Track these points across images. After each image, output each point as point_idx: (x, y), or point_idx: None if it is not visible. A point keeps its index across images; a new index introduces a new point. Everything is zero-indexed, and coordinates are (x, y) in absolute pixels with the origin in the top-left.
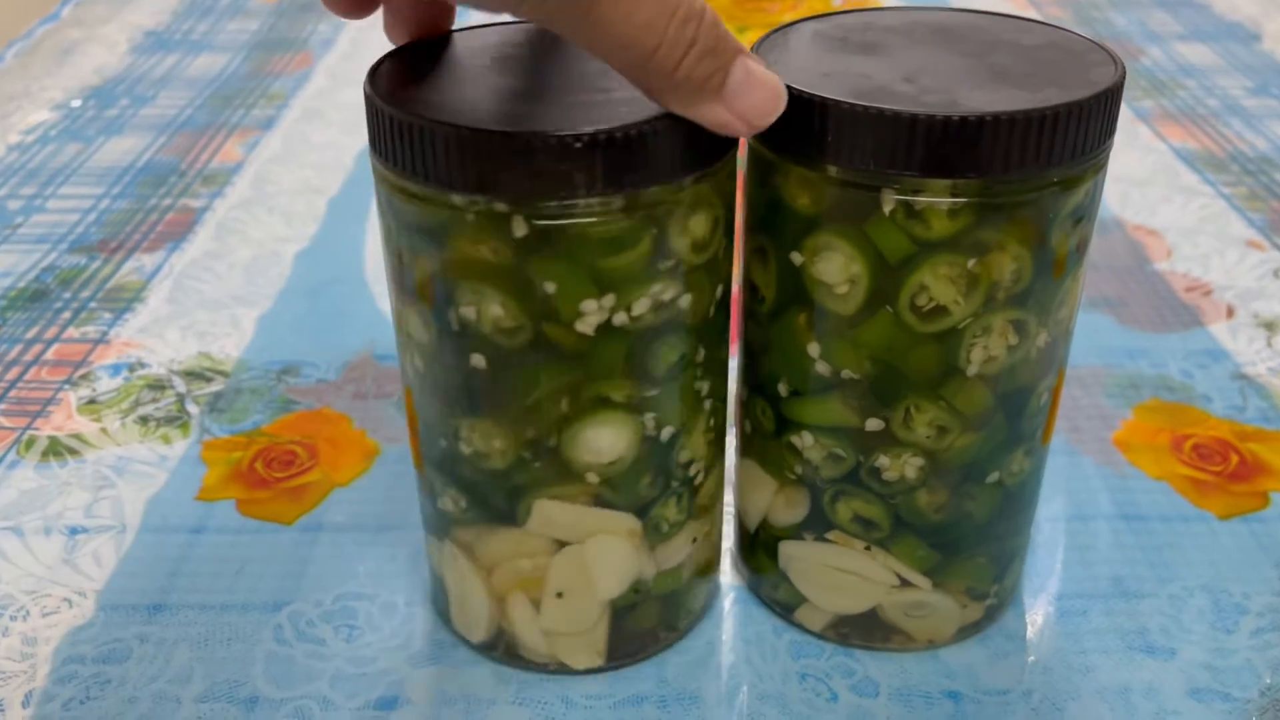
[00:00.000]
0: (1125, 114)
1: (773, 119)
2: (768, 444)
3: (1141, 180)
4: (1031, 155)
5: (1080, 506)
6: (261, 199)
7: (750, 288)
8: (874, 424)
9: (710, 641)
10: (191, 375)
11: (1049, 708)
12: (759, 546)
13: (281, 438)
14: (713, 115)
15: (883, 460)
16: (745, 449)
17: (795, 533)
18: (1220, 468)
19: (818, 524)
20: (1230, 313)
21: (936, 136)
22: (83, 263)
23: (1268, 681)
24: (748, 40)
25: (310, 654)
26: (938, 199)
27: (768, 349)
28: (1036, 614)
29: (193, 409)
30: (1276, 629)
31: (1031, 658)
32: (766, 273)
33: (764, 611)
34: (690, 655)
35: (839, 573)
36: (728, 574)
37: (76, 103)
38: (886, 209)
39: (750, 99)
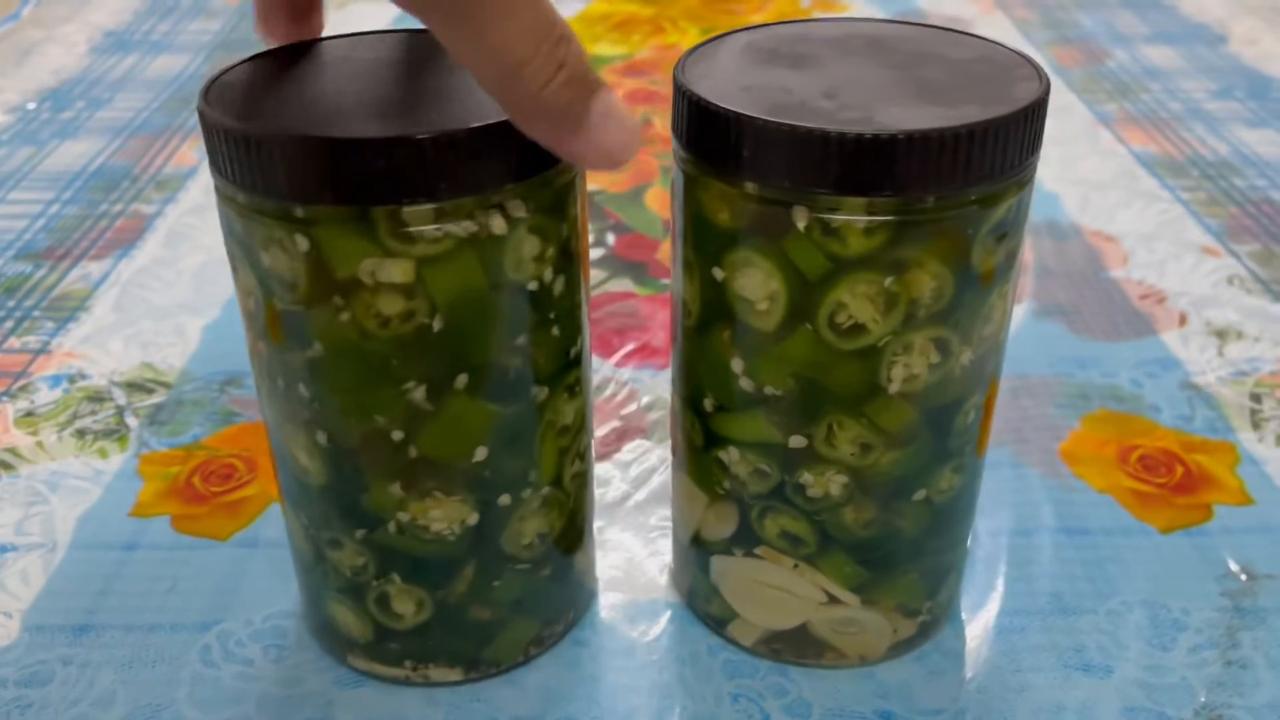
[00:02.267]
0: (1087, 117)
1: (627, 157)
2: (698, 458)
3: (1101, 185)
4: (948, 173)
5: (1023, 520)
6: (214, 205)
7: (680, 302)
8: (797, 441)
9: (644, 662)
10: (133, 387)
11: None
12: (692, 561)
13: (221, 451)
14: (569, 145)
15: (807, 477)
16: (678, 463)
17: (726, 548)
18: (1165, 480)
19: (747, 539)
20: (1183, 320)
21: (850, 154)
22: (28, 270)
23: (1202, 700)
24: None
25: (238, 675)
26: (854, 217)
27: (695, 363)
28: (974, 631)
29: (132, 421)
30: (1214, 645)
31: (968, 676)
32: (692, 287)
33: (701, 629)
34: (624, 676)
35: (768, 589)
36: (666, 590)
37: (32, 105)
38: (801, 225)
39: (607, 134)
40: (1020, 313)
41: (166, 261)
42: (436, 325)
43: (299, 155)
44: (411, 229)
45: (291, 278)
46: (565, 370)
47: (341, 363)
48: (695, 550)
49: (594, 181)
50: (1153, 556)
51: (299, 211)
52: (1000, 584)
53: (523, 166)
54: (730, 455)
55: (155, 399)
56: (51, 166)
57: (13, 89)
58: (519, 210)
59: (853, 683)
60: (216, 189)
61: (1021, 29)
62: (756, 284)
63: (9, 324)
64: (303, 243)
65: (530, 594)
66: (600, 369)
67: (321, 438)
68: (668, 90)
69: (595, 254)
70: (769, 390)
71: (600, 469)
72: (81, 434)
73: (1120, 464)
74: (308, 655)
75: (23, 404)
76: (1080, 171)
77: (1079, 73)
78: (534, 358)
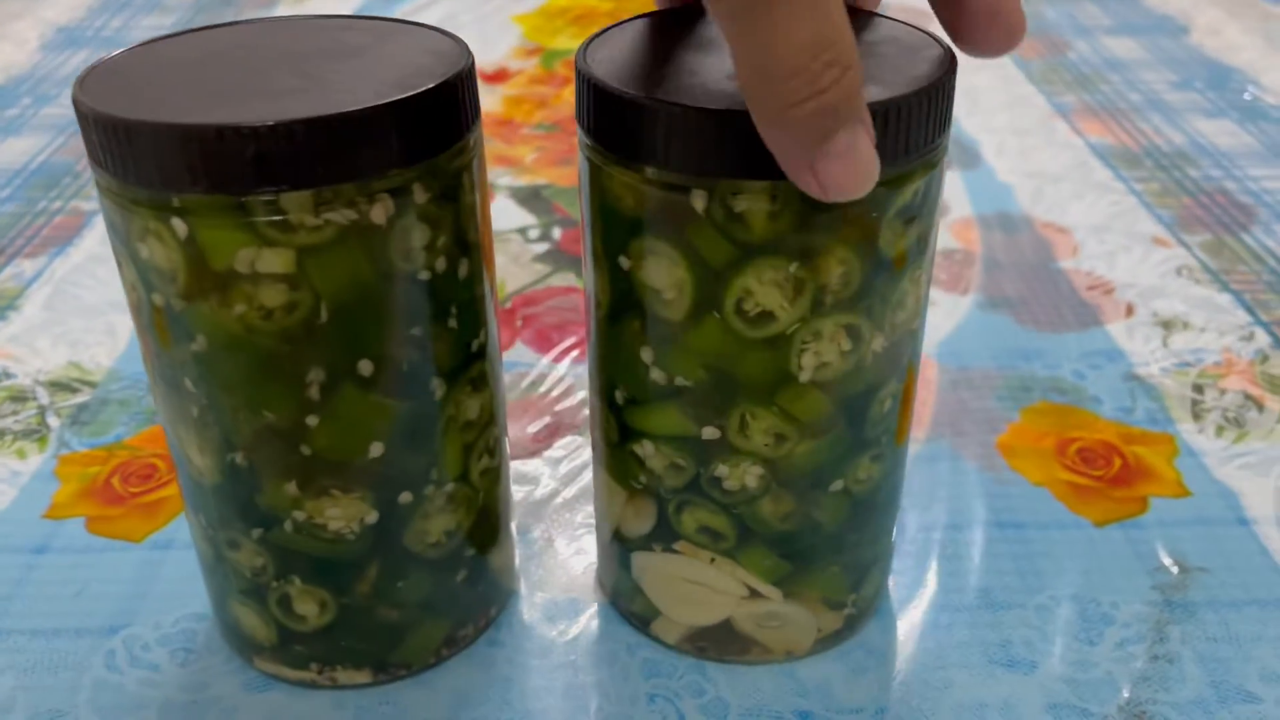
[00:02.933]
0: (1045, 109)
1: (847, 197)
2: (614, 453)
3: (1055, 177)
4: None
5: (956, 514)
6: None
7: (592, 294)
8: (710, 432)
9: (561, 663)
10: (57, 386)
11: None
12: (615, 558)
13: (143, 451)
14: (794, 164)
15: (722, 469)
16: (597, 459)
17: (645, 544)
18: (1102, 472)
19: (666, 535)
20: (1130, 311)
21: (748, 136)
22: None
23: (1126, 696)
24: None
25: (142, 681)
26: (755, 202)
27: (607, 356)
28: (901, 628)
29: (53, 422)
30: (1141, 640)
31: (890, 673)
32: (601, 278)
33: (622, 628)
34: (539, 677)
35: (689, 584)
36: (590, 589)
37: None
38: (701, 210)
39: (838, 170)
40: (966, 305)
41: (101, 259)
42: (323, 317)
43: (170, 143)
44: (290, 217)
45: (170, 270)
46: (467, 364)
47: (227, 357)
48: (616, 547)
49: (542, 175)
50: (1085, 550)
51: (174, 201)
52: (930, 579)
53: (408, 152)
54: (645, 449)
55: (79, 398)
56: None
57: None
58: (405, 197)
59: (772, 681)
60: (96, 181)
61: None
62: (662, 273)
63: None
64: (179, 234)
65: (439, 594)
66: (537, 365)
67: (212, 436)
68: None
69: (540, 248)
70: (680, 381)
71: (530, 465)
72: (0, 434)
73: (1058, 456)
74: (216, 659)
75: None
76: (1035, 163)
77: (1039, 64)
78: (431, 351)
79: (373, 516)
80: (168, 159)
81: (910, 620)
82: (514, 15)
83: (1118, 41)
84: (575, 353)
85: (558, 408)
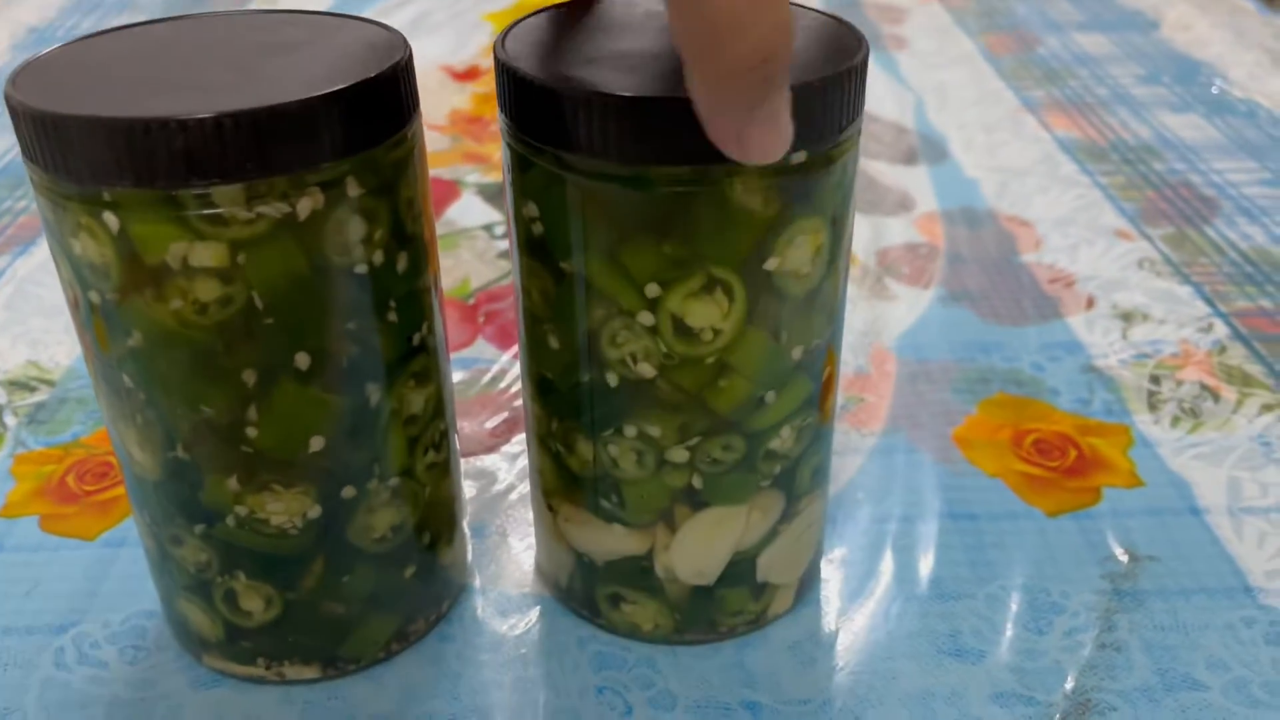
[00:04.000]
0: (1013, 104)
1: (768, 161)
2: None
3: (1020, 171)
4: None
5: (911, 506)
6: None
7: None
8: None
9: (511, 656)
10: (15, 385)
11: (848, 717)
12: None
13: (99, 449)
14: (723, 128)
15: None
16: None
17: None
18: (1057, 463)
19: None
20: (1090, 303)
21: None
22: None
23: (1071, 685)
24: None
25: (90, 679)
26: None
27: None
28: (850, 619)
29: (10, 421)
30: (1089, 628)
31: (839, 664)
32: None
33: (575, 621)
34: (489, 671)
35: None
36: (533, 584)
37: None
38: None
39: (763, 135)
40: (928, 299)
41: None
42: (258, 311)
43: (99, 137)
44: (222, 210)
45: (103, 266)
46: (408, 358)
47: (163, 353)
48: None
49: None
50: (1037, 540)
51: (105, 196)
52: (882, 570)
53: (340, 145)
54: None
55: (37, 397)
56: None
57: None
58: (338, 190)
59: (720, 673)
60: (29, 177)
61: (956, 17)
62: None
63: None
64: (111, 228)
65: (387, 589)
66: (497, 361)
67: (153, 432)
68: None
69: (505, 245)
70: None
71: (488, 461)
72: None
73: (1014, 448)
74: (165, 656)
75: None
76: (1001, 158)
77: (1009, 60)
78: (371, 345)
79: (315, 511)
80: (97, 153)
81: (861, 611)
82: (485, 14)
83: (1088, 37)
84: None
85: (516, 403)
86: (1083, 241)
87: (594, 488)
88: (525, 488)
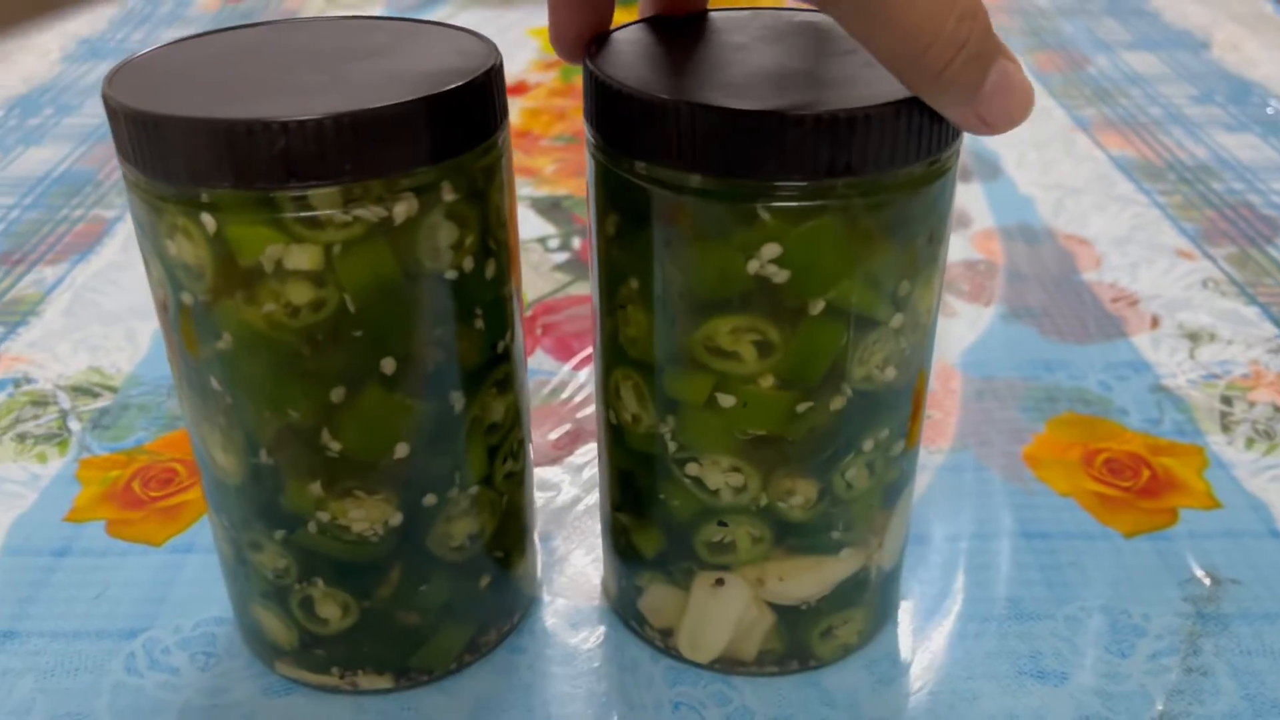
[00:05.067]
0: (1064, 122)
1: (1018, 124)
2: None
3: (1076, 189)
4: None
5: (983, 524)
6: None
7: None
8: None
9: (584, 670)
10: (78, 391)
11: None
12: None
13: (163, 455)
14: (960, 114)
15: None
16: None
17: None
18: (1130, 483)
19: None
20: (1155, 323)
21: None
22: None
23: (1160, 708)
24: None
25: (161, 684)
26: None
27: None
28: (927, 638)
29: (75, 426)
30: (1174, 652)
31: (916, 685)
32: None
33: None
34: (562, 684)
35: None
36: (601, 598)
37: (0, 112)
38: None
39: (1000, 103)
40: (989, 316)
41: (122, 266)
42: (348, 316)
43: (199, 138)
44: (318, 213)
45: (197, 267)
46: (492, 365)
47: (252, 355)
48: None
49: (562, 186)
50: (1114, 561)
51: (203, 197)
52: (956, 589)
53: (436, 150)
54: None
55: (100, 403)
56: (14, 172)
57: None
58: (433, 195)
59: (798, 691)
60: (124, 177)
61: (1003, 35)
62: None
63: None
64: (207, 229)
65: (461, 599)
66: (558, 372)
67: (236, 435)
68: None
69: (560, 258)
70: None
71: (550, 472)
72: (22, 438)
73: (1085, 467)
74: (237, 663)
75: None
76: (1055, 175)
77: (1058, 78)
78: (457, 351)
79: (396, 519)
80: (197, 154)
81: (938, 631)
82: (531, 29)
83: (1137, 56)
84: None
85: (579, 415)
86: (1143, 260)
87: (686, 515)
88: (590, 500)
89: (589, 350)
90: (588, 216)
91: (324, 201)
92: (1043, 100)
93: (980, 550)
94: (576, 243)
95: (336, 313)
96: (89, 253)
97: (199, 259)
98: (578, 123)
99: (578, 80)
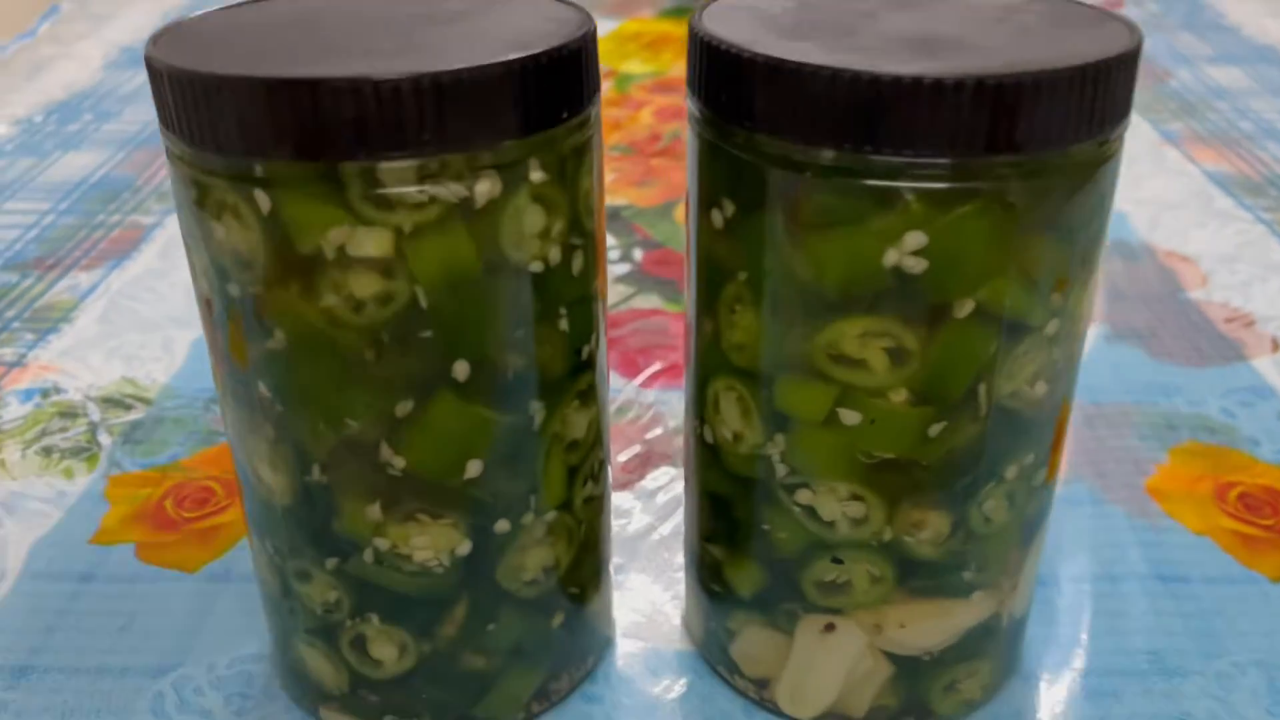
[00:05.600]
0: (1152, 136)
1: None
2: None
3: (1172, 204)
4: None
5: (1108, 565)
6: None
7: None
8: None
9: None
10: (109, 402)
11: None
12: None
13: (198, 473)
14: None
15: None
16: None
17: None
18: (1272, 521)
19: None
20: (1276, 346)
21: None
22: (13, 281)
23: None
24: None
25: None
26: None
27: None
28: (1059, 695)
29: (105, 440)
30: None
31: None
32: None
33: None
34: None
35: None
36: (682, 639)
37: (38, 118)
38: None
39: None
40: (1091, 336)
41: (160, 273)
42: (420, 312)
43: (254, 99)
44: (389, 191)
45: (248, 253)
46: (575, 374)
47: (307, 357)
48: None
49: (621, 196)
50: (1264, 609)
51: (257, 170)
52: (1086, 639)
53: (525, 122)
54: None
55: (133, 416)
56: (52, 177)
57: (20, 102)
58: (519, 174)
59: None
60: (166, 150)
61: None
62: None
63: None
64: (261, 208)
65: (532, 640)
66: (623, 390)
67: (286, 449)
68: None
69: (621, 269)
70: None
71: (619, 498)
72: (48, 452)
73: (1218, 502)
74: (276, 706)
75: None
76: (1148, 191)
77: (1140, 93)
78: (537, 356)
79: (464, 547)
80: (252, 119)
81: (1070, 686)
82: None
83: (1221, 70)
84: (663, 379)
85: (648, 435)
86: (1255, 279)
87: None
88: (665, 529)
89: (656, 366)
90: (686, 204)
91: (396, 177)
92: None
93: (1109, 594)
94: (638, 254)
95: (406, 308)
96: (125, 259)
97: (250, 245)
98: (634, 132)
99: (633, 90)
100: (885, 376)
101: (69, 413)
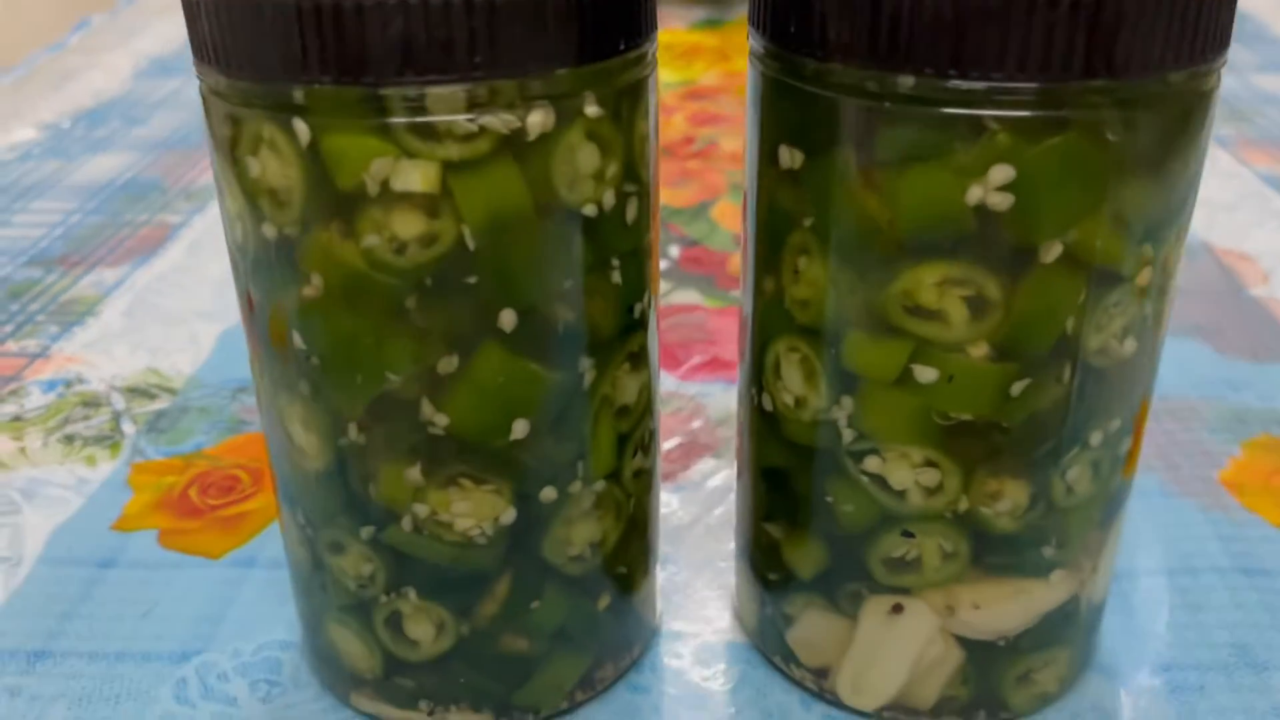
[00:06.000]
0: None
1: None
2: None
3: (1227, 205)
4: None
5: (1186, 558)
6: None
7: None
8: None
9: (721, 716)
10: (134, 392)
11: None
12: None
13: (224, 461)
14: None
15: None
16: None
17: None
18: None
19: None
20: None
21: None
22: (38, 276)
23: None
24: None
25: (217, 716)
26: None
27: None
28: (1140, 688)
29: (128, 428)
30: None
31: None
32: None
33: (783, 675)
34: None
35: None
36: (732, 630)
37: (66, 123)
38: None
39: None
40: None
41: (187, 269)
42: (466, 255)
43: (293, 17)
44: (436, 119)
45: (285, 190)
46: (627, 333)
47: (346, 304)
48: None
49: None
50: None
51: (295, 96)
52: (1165, 632)
53: (581, 49)
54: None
55: (157, 405)
56: (79, 179)
57: (49, 109)
58: (574, 106)
59: None
60: (202, 88)
61: None
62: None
63: (8, 328)
64: (300, 139)
65: (578, 622)
66: (663, 383)
67: (321, 407)
68: (730, 112)
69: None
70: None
71: (664, 489)
72: (70, 439)
73: None
74: (305, 694)
75: (11, 408)
76: (1203, 193)
77: None
78: (588, 310)
79: (509, 515)
80: (291, 39)
81: (1151, 680)
82: None
83: (1268, 78)
84: (704, 372)
85: (691, 425)
86: None
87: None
88: (711, 520)
89: (695, 360)
90: (744, 150)
91: (444, 104)
92: None
93: (1189, 588)
94: (675, 251)
95: (451, 250)
96: (152, 256)
97: (288, 181)
98: (669, 136)
99: (666, 97)
100: (964, 329)
101: (92, 402)
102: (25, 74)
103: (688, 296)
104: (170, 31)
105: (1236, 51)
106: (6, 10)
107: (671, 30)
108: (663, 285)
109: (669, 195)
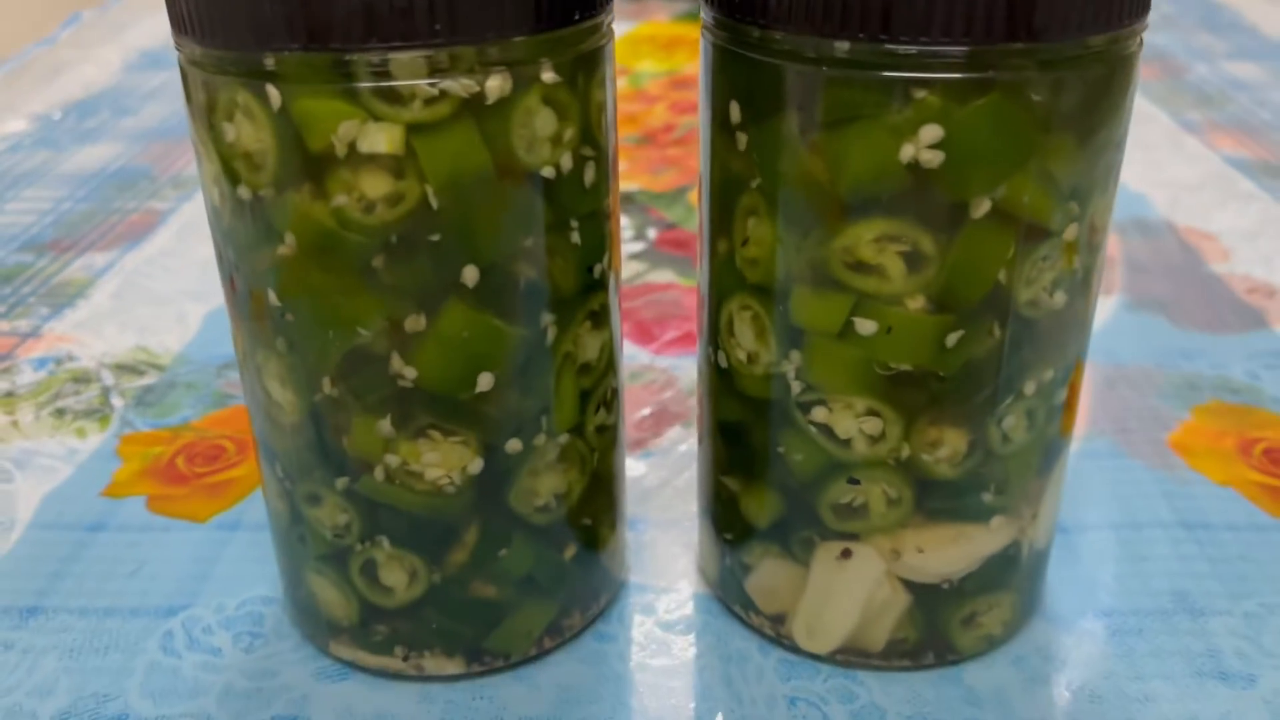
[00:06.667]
0: (1170, 126)
1: None
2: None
3: (1191, 186)
4: None
5: (1133, 513)
6: None
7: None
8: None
9: (682, 661)
10: (123, 369)
11: None
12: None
13: (210, 432)
14: None
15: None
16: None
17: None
18: None
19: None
20: None
21: None
22: (30, 260)
23: None
24: None
25: (201, 665)
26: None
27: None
28: (1081, 632)
29: (117, 402)
30: None
31: (1076, 684)
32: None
33: (744, 624)
34: (658, 676)
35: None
36: (696, 583)
37: (57, 114)
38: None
39: None
40: (1112, 306)
41: (175, 253)
42: (430, 214)
43: None
44: (399, 84)
45: (259, 154)
46: (588, 292)
47: (318, 261)
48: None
49: (635, 181)
50: None
51: (267, 62)
52: (1111, 581)
53: (537, 16)
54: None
55: (145, 380)
56: (69, 168)
57: (39, 101)
58: (531, 72)
59: (934, 687)
60: (180, 60)
61: None
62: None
63: (0, 309)
64: (272, 103)
65: (545, 570)
66: (637, 356)
67: (296, 363)
68: None
69: (635, 248)
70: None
71: (634, 455)
72: (60, 413)
73: (1243, 456)
74: (286, 644)
75: (2, 384)
76: (1167, 174)
77: (1158, 86)
78: (549, 268)
79: (476, 465)
80: (262, 9)
81: (1093, 624)
82: None
83: (1238, 65)
84: (677, 346)
85: (662, 395)
86: (1276, 253)
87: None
88: (679, 482)
89: (670, 335)
90: (700, 119)
91: (407, 70)
92: (1145, 106)
93: (1133, 540)
94: (652, 233)
95: (416, 209)
96: (141, 240)
97: (261, 143)
98: (647, 124)
99: (648, 85)
100: (902, 282)
101: (82, 378)
102: (17, 67)
103: (664, 276)
104: (159, 26)
105: (1206, 40)
106: None
107: (655, 22)
108: (641, 265)
109: (648, 181)
